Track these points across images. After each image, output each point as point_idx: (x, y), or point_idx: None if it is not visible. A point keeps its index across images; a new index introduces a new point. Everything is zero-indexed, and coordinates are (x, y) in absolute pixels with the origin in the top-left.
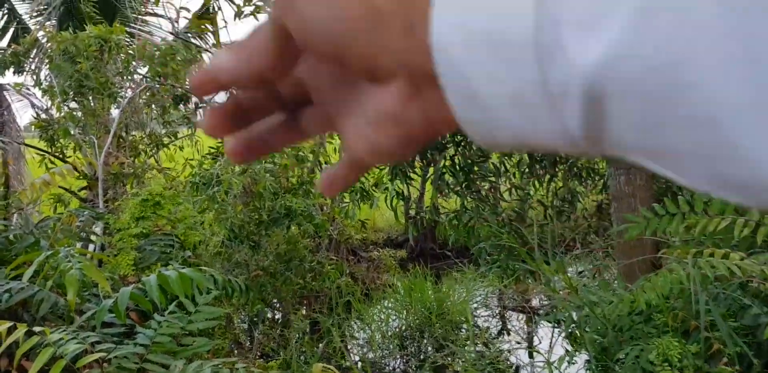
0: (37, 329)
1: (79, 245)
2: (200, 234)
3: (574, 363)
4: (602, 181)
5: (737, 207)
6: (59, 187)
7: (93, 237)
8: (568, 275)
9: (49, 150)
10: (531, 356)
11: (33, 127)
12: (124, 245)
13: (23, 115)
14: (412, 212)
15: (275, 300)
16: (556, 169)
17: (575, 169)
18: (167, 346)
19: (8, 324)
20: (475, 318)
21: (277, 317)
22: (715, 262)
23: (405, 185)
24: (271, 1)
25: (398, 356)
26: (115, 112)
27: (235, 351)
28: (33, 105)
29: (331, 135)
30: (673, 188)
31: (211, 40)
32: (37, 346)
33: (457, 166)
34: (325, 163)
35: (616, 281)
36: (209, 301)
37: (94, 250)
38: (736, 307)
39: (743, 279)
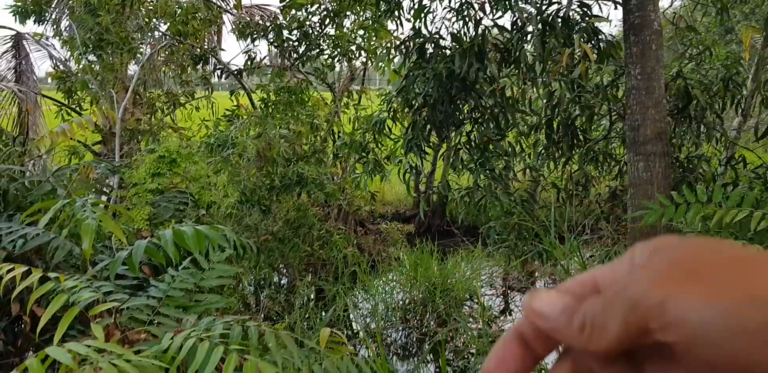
0: (51, 275)
1: (93, 197)
2: (213, 195)
3: None
4: (618, 167)
5: (756, 199)
6: (73, 139)
7: (108, 190)
8: (581, 259)
9: (66, 102)
10: None
11: (50, 78)
12: (139, 200)
13: (41, 65)
14: (423, 188)
15: (282, 266)
16: (573, 152)
17: (592, 153)
18: (180, 300)
19: (23, 268)
20: (480, 297)
21: (283, 282)
22: None
23: (419, 159)
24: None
25: (400, 328)
26: (133, 68)
27: (248, 317)
28: (51, 56)
29: (346, 105)
30: (690, 177)
31: (232, 1)
32: (50, 293)
33: (473, 143)
34: (339, 133)
35: None
36: (222, 259)
37: (109, 202)
38: None
39: None
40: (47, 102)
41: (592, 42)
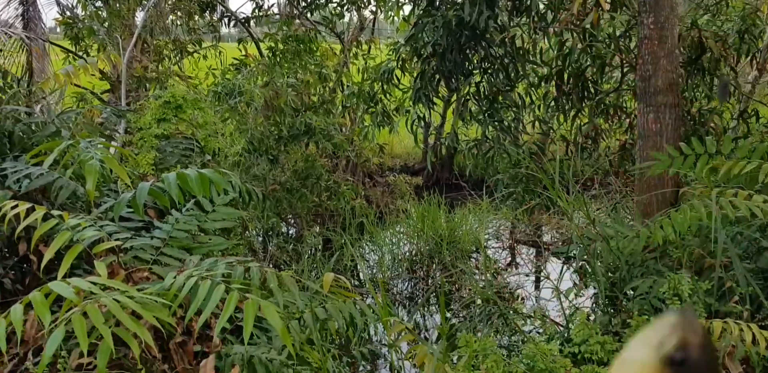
0: (55, 213)
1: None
2: (220, 142)
3: (581, 296)
4: (629, 121)
5: (765, 152)
6: (83, 88)
7: (115, 134)
8: (586, 210)
9: (73, 49)
10: (538, 287)
11: (58, 24)
12: (144, 144)
13: (48, 12)
14: (432, 140)
15: (290, 216)
16: (583, 105)
17: (603, 105)
18: (183, 242)
19: (27, 205)
20: (486, 249)
21: (290, 232)
22: (737, 202)
23: (427, 110)
24: None
25: (406, 279)
26: (140, 15)
27: (251, 258)
28: (58, 3)
29: (355, 56)
30: (701, 130)
31: None
32: (55, 233)
33: (482, 94)
34: (348, 83)
35: (632, 220)
36: (226, 203)
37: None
38: (753, 249)
39: (764, 221)
40: (56, 51)
41: None
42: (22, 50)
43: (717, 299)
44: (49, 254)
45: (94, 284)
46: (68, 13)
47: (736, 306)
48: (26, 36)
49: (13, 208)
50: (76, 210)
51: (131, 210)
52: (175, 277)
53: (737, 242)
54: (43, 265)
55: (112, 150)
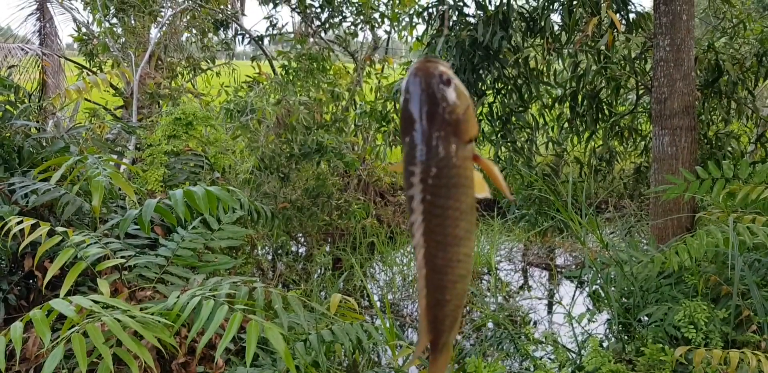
0: (59, 229)
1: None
2: (230, 159)
3: (593, 322)
4: (644, 143)
5: None
6: (96, 103)
7: (125, 150)
8: (599, 234)
9: (87, 65)
10: (550, 311)
11: (73, 40)
12: (154, 160)
13: (65, 28)
14: None
15: (300, 234)
16: (597, 126)
17: (617, 127)
18: (188, 260)
19: (32, 221)
20: (498, 271)
21: (300, 250)
22: (755, 228)
23: None
24: None
25: (416, 300)
26: (155, 32)
27: (259, 279)
28: (75, 19)
29: (368, 75)
30: (718, 154)
31: None
32: (60, 249)
33: (495, 115)
34: (360, 102)
35: (647, 245)
36: (233, 221)
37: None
38: None
39: None
40: (70, 67)
41: (621, 13)
42: (37, 66)
43: (734, 328)
44: (52, 271)
45: (96, 302)
46: (84, 30)
47: (753, 336)
48: (42, 52)
49: (18, 223)
50: (83, 226)
51: (138, 227)
52: (178, 296)
53: (755, 269)
54: (46, 282)
55: (121, 167)
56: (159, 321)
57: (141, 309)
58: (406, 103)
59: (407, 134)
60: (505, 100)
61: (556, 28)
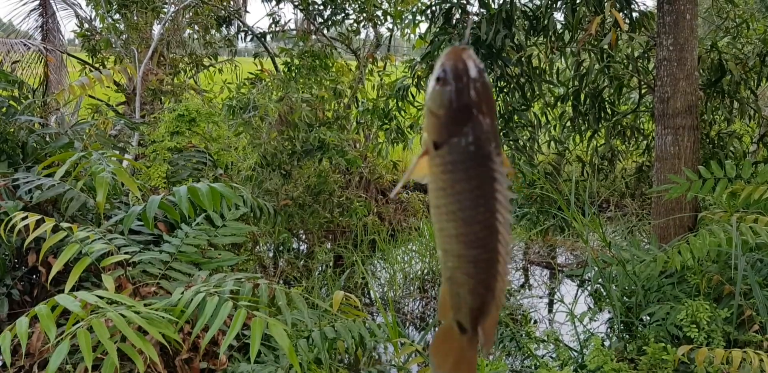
0: (64, 225)
1: (110, 151)
2: (233, 156)
3: (595, 321)
4: (646, 142)
5: None
6: (98, 100)
7: (128, 147)
8: (602, 232)
9: (90, 61)
10: (551, 310)
11: (76, 35)
12: (157, 157)
13: (67, 24)
14: None
15: (301, 231)
16: (600, 125)
17: (620, 127)
18: (192, 256)
19: (37, 217)
20: None
21: (302, 248)
22: (758, 228)
23: None
24: None
25: (418, 298)
26: (157, 28)
27: (260, 275)
28: (77, 15)
29: (371, 72)
30: (720, 154)
31: None
32: (64, 245)
33: (497, 113)
34: (363, 100)
35: (648, 244)
36: (236, 218)
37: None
38: None
39: None
40: (73, 62)
41: (624, 12)
42: (40, 61)
43: (736, 328)
44: (56, 267)
45: (101, 297)
46: (86, 26)
47: (755, 335)
48: (44, 47)
49: (23, 219)
50: (87, 222)
51: (141, 223)
52: (182, 292)
53: (757, 269)
54: (50, 277)
55: (124, 163)
56: (163, 317)
57: (145, 305)
58: (463, 92)
59: (465, 123)
60: (508, 99)
61: (559, 26)
